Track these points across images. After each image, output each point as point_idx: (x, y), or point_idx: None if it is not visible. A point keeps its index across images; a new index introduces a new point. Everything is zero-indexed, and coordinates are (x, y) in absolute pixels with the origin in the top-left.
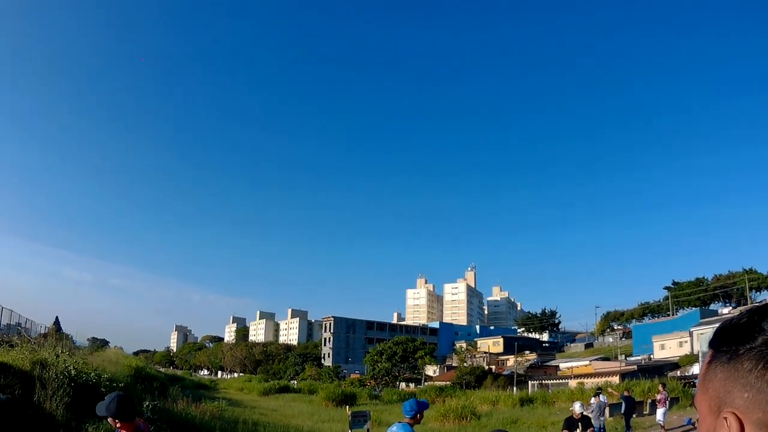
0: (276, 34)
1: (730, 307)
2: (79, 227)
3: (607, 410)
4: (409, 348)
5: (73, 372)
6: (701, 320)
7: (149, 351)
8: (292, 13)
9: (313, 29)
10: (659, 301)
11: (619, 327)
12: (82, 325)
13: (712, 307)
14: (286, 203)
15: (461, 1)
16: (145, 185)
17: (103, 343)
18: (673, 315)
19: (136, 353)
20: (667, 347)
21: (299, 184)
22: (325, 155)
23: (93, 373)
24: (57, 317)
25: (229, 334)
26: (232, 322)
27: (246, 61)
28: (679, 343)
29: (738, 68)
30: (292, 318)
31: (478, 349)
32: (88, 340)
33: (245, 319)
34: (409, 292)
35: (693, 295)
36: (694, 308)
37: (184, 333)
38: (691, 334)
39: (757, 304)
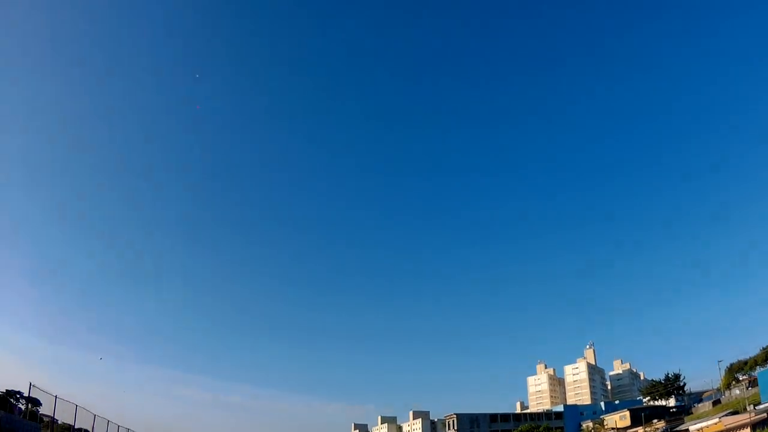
0: None
1: None
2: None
3: None
4: None
5: None
6: None
7: None
8: None
9: None
10: None
11: (744, 377)
12: None
13: None
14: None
15: None
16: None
17: None
18: None
19: None
20: None
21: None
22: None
23: None
24: None
25: None
26: (354, 429)
27: None
28: None
29: None
30: (414, 420)
31: (605, 426)
32: None
33: (367, 425)
34: (530, 380)
35: None
36: None
37: None
38: None
39: None
